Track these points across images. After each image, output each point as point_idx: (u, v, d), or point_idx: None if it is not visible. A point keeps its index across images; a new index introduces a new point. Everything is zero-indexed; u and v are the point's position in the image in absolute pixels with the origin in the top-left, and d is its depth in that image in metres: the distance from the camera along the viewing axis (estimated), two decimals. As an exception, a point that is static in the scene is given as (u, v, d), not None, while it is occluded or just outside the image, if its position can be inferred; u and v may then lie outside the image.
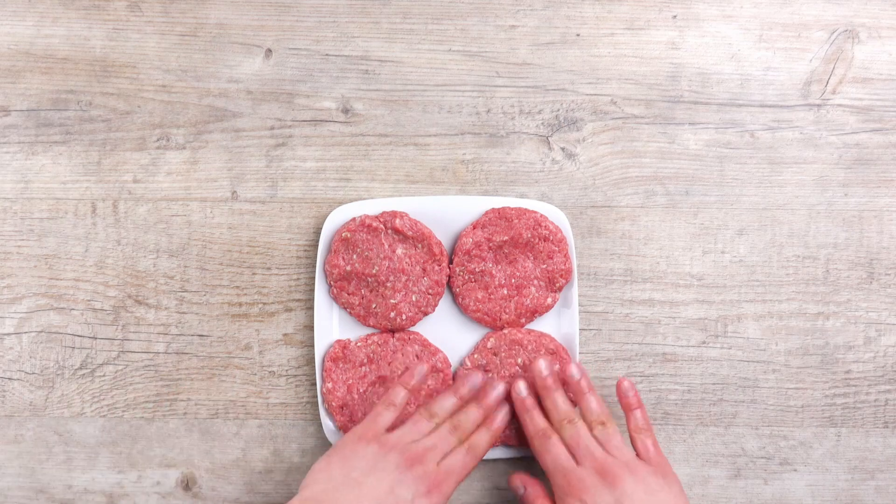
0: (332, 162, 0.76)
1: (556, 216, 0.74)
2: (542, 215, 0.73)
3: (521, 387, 0.72)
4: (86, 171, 0.76)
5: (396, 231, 0.73)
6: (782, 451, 0.76)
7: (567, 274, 0.74)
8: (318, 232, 0.76)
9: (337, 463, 0.66)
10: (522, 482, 0.71)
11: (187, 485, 0.75)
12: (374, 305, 0.73)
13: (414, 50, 0.77)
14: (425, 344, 0.74)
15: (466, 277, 0.74)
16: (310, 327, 0.76)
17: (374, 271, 0.73)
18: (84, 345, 0.75)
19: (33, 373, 0.75)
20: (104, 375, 0.75)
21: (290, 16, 0.77)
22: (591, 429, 0.69)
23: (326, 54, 0.76)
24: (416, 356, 0.74)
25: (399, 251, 0.73)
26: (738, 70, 0.77)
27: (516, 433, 0.74)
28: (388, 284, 0.73)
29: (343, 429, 0.73)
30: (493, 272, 0.74)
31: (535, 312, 0.74)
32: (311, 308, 0.75)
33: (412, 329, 0.75)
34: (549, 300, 0.74)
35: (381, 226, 0.73)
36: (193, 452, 0.76)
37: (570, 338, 0.74)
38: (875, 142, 0.77)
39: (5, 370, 0.75)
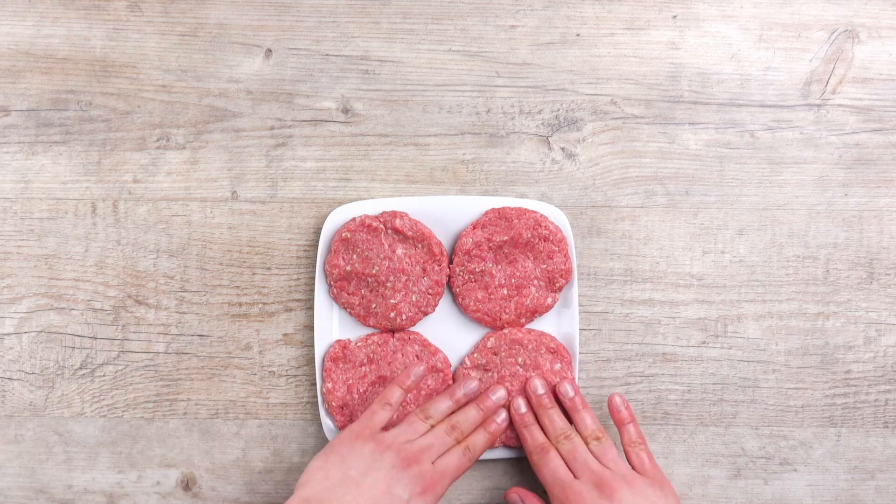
0: (332, 162, 0.76)
1: (556, 216, 0.74)
2: (542, 215, 0.73)
3: (521, 403, 0.72)
4: (86, 171, 0.76)
5: (396, 231, 0.73)
6: (782, 451, 0.76)
7: (567, 274, 0.74)
8: (318, 232, 0.76)
9: (334, 461, 0.66)
10: (520, 496, 0.72)
11: (187, 485, 0.75)
12: (374, 305, 0.73)
13: (414, 50, 0.77)
14: (425, 344, 0.74)
15: (466, 277, 0.74)
16: (310, 327, 0.75)
17: (374, 271, 0.73)
18: (84, 345, 0.75)
19: (33, 373, 0.75)
20: (104, 375, 0.75)
21: (290, 16, 0.77)
22: (587, 443, 0.70)
23: (326, 54, 0.76)
24: (416, 356, 0.74)
25: (399, 251, 0.73)
26: (738, 70, 0.77)
27: (516, 434, 0.74)
28: (388, 284, 0.73)
29: (343, 429, 0.73)
30: (493, 272, 0.74)
31: (535, 312, 0.74)
32: (311, 308, 0.75)
33: (412, 329, 0.75)
34: (549, 300, 0.74)
35: (381, 226, 0.73)
36: (193, 452, 0.75)
37: (570, 338, 0.74)
38: (875, 142, 0.77)
39: (5, 370, 0.75)
